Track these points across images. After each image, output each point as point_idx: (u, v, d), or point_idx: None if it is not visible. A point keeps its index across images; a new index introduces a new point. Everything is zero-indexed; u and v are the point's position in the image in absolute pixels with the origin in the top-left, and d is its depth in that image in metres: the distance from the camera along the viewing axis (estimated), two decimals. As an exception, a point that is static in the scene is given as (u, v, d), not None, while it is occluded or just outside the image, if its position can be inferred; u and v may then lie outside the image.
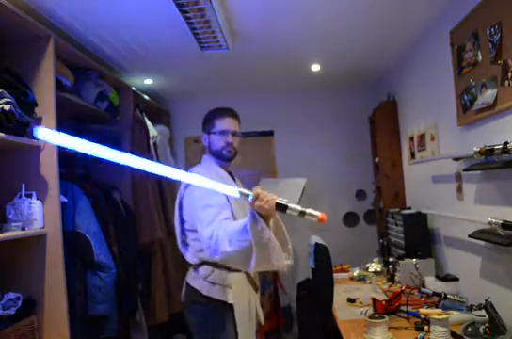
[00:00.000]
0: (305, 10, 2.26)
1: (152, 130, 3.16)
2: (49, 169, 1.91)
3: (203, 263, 1.72)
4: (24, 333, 1.75)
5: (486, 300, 1.65)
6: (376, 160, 3.66)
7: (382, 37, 2.70)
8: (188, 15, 2.10)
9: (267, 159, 4.19)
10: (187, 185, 1.73)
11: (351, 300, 2.25)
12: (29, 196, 1.83)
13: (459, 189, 2.20)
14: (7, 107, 1.62)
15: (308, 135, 4.14)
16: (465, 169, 1.97)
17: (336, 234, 3.88)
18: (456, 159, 2.16)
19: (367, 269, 2.91)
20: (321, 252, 2.11)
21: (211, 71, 3.30)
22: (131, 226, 2.67)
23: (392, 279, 2.58)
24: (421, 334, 1.68)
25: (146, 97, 3.38)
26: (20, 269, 1.87)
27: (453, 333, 1.61)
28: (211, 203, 1.60)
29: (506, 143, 1.58)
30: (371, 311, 1.97)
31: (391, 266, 2.61)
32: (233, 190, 1.33)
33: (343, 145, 4.11)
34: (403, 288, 2.28)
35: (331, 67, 3.36)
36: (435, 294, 1.97)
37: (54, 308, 1.86)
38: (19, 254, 1.88)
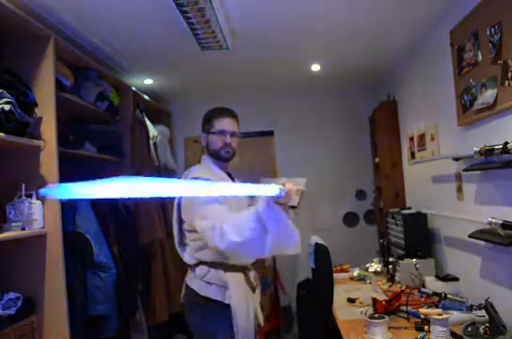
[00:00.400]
0: (305, 10, 2.26)
1: (152, 130, 3.16)
2: (49, 169, 1.91)
3: (200, 263, 1.72)
4: (24, 333, 1.75)
5: (486, 300, 1.65)
6: (376, 160, 3.66)
7: (382, 37, 2.70)
8: (188, 15, 2.10)
9: (267, 159, 4.19)
10: None
11: (351, 300, 2.25)
12: (29, 196, 1.83)
13: (459, 189, 2.20)
14: (7, 107, 1.62)
15: (308, 135, 4.14)
16: (465, 169, 1.97)
17: (336, 234, 3.88)
18: (456, 159, 2.16)
19: (367, 269, 2.91)
20: (321, 252, 2.11)
21: (211, 71, 3.30)
22: (131, 226, 2.67)
23: (392, 279, 2.58)
24: (421, 334, 1.68)
25: (146, 97, 3.38)
26: (20, 269, 1.87)
27: (453, 333, 1.61)
28: (209, 199, 1.61)
29: (506, 143, 1.59)
30: (371, 311, 1.97)
31: (391, 266, 2.61)
32: (272, 188, 1.53)
33: (343, 145, 4.11)
34: (403, 288, 2.28)
35: (331, 67, 3.36)
36: (435, 294, 1.97)
37: (54, 308, 1.86)
38: (19, 254, 1.88)
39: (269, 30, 2.52)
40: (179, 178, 1.85)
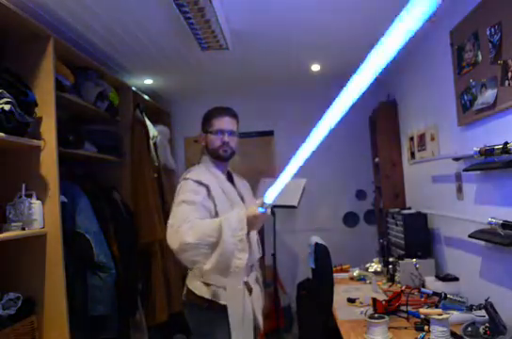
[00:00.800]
0: (305, 10, 2.26)
1: (152, 130, 3.16)
2: (49, 169, 1.91)
3: None
4: (24, 333, 1.75)
5: (486, 300, 1.65)
6: (376, 160, 3.65)
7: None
8: (188, 15, 2.10)
9: (267, 159, 4.19)
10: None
11: (351, 300, 2.25)
12: (29, 196, 1.83)
13: (459, 189, 2.20)
14: (7, 107, 1.62)
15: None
16: (465, 169, 1.97)
17: (336, 234, 3.88)
18: (456, 159, 2.16)
19: (367, 269, 2.91)
20: (321, 252, 2.11)
21: (211, 70, 3.30)
22: (131, 226, 2.67)
23: (392, 279, 2.58)
24: (421, 334, 1.67)
25: (146, 97, 3.38)
26: (20, 269, 1.87)
27: (453, 333, 1.61)
28: (186, 200, 1.64)
29: (506, 143, 1.58)
30: (371, 311, 1.97)
31: (391, 266, 2.61)
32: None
33: (343, 145, 4.10)
34: (403, 288, 2.28)
35: (331, 67, 3.36)
36: (435, 294, 1.97)
37: (54, 308, 1.86)
38: (19, 254, 1.88)
39: (269, 30, 2.52)
40: (178, 178, 1.85)
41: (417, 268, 2.42)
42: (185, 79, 3.57)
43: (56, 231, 1.90)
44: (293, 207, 3.39)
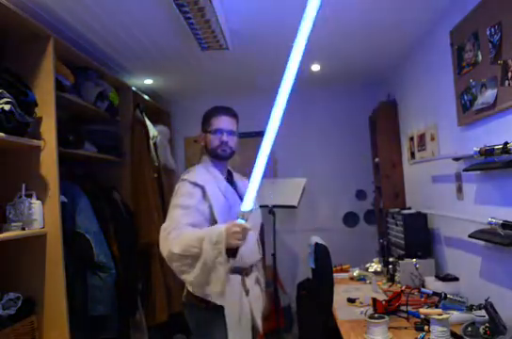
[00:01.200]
0: (305, 10, 2.26)
1: (152, 130, 3.16)
2: (49, 169, 1.91)
3: None
4: (24, 333, 1.75)
5: (486, 300, 1.65)
6: (376, 160, 3.65)
7: (382, 37, 2.70)
8: (188, 15, 2.10)
9: (267, 159, 4.18)
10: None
11: (351, 300, 2.25)
12: (29, 196, 1.83)
13: (459, 189, 2.20)
14: (7, 107, 1.62)
15: (308, 135, 4.14)
16: (465, 169, 1.97)
17: (336, 234, 3.88)
18: (456, 159, 2.16)
19: (367, 269, 2.91)
20: (321, 252, 2.11)
21: (211, 70, 3.30)
22: (131, 226, 2.67)
23: (392, 279, 2.58)
24: (421, 334, 1.67)
25: (146, 97, 3.38)
26: (20, 269, 1.87)
27: (453, 333, 1.61)
28: (180, 204, 1.67)
29: (506, 143, 1.58)
30: (371, 311, 1.97)
31: (391, 266, 2.61)
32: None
33: (343, 145, 4.11)
34: (403, 288, 2.28)
35: (331, 67, 3.36)
36: (435, 294, 1.97)
37: (54, 308, 1.86)
38: (19, 254, 1.88)
39: (269, 30, 2.52)
40: (178, 178, 1.85)
41: (417, 268, 2.42)
42: (185, 79, 3.57)
43: (56, 231, 1.90)
44: (293, 207, 3.39)
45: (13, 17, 1.74)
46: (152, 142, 3.09)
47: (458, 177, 2.20)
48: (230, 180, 1.90)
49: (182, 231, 1.58)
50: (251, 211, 1.52)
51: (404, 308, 1.95)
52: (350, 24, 2.49)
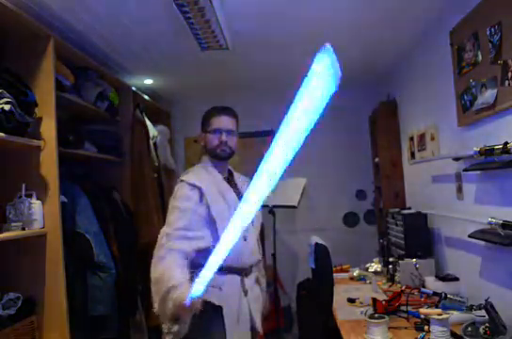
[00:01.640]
0: (305, 10, 2.26)
1: (152, 130, 3.16)
2: (49, 169, 1.91)
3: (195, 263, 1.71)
4: (24, 333, 1.75)
5: (486, 300, 1.64)
6: (376, 160, 3.65)
7: (382, 37, 2.70)
8: (188, 15, 2.10)
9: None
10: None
11: (351, 300, 2.25)
12: (29, 196, 1.83)
13: (459, 189, 2.20)
14: (7, 107, 1.62)
15: (307, 134, 4.13)
16: (465, 169, 1.97)
17: (336, 234, 3.88)
18: (456, 159, 2.16)
19: (367, 269, 2.91)
20: (321, 252, 2.11)
21: (211, 71, 3.30)
22: (131, 226, 2.67)
23: (392, 279, 2.58)
24: (421, 334, 1.67)
25: (146, 97, 3.38)
26: (20, 269, 1.87)
27: (453, 333, 1.61)
28: (178, 206, 1.68)
29: (506, 143, 1.58)
30: (371, 311, 1.97)
31: (391, 266, 2.61)
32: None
33: (343, 145, 4.11)
34: (403, 288, 2.28)
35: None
36: (435, 294, 1.97)
37: (54, 308, 1.86)
38: (19, 254, 1.88)
39: (269, 30, 2.52)
40: (178, 178, 1.85)
41: (417, 268, 2.42)
42: (185, 79, 3.57)
43: (56, 231, 1.90)
44: (293, 207, 3.39)
45: (13, 17, 1.74)
46: (152, 142, 3.09)
47: (458, 177, 2.20)
48: (230, 180, 1.89)
49: (169, 256, 1.56)
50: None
51: (404, 308, 1.95)
52: (350, 24, 2.49)
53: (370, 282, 2.61)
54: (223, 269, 1.70)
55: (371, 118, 3.86)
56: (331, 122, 4.13)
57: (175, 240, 1.60)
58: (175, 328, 1.58)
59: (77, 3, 2.03)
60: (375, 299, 2.01)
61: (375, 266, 2.91)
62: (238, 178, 1.94)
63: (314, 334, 2.29)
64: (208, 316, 1.68)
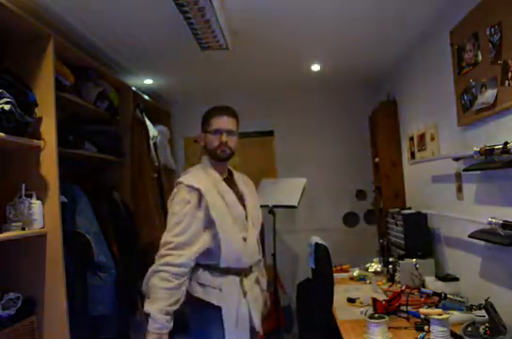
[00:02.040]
0: (305, 11, 2.27)
1: (152, 130, 3.16)
2: (49, 169, 1.91)
3: (195, 264, 1.72)
4: (24, 333, 1.75)
5: (486, 300, 1.64)
6: (376, 160, 3.65)
7: (382, 37, 2.70)
8: (188, 15, 2.10)
9: (267, 159, 4.19)
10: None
11: (351, 300, 2.25)
12: (29, 196, 1.83)
13: (459, 189, 2.20)
14: (7, 107, 1.62)
15: (308, 135, 4.14)
16: (465, 169, 1.97)
17: (336, 233, 3.88)
18: (456, 159, 2.16)
19: (367, 269, 2.91)
20: (321, 252, 2.11)
21: (211, 71, 3.30)
22: (131, 226, 2.67)
23: (392, 279, 2.58)
24: (421, 334, 1.67)
25: (146, 97, 3.38)
26: (20, 269, 1.87)
27: (453, 333, 1.61)
28: (177, 211, 1.68)
29: (506, 143, 1.58)
30: (371, 311, 1.97)
31: (391, 266, 2.61)
32: None
33: (343, 145, 4.11)
34: (403, 288, 2.28)
35: (331, 67, 3.36)
36: (435, 294, 1.97)
37: (54, 308, 1.86)
38: (19, 254, 1.88)
39: (269, 30, 2.52)
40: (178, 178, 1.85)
41: (417, 268, 2.42)
42: (185, 79, 3.57)
43: (56, 231, 1.90)
44: (293, 207, 3.39)
45: (13, 17, 1.74)
46: (152, 142, 3.09)
47: (458, 177, 2.20)
48: (230, 180, 1.89)
49: (166, 269, 1.60)
50: None
51: (404, 308, 1.95)
52: (350, 24, 2.49)
53: (370, 282, 2.61)
54: (222, 270, 1.70)
55: (371, 118, 3.86)
56: (331, 122, 4.15)
57: (174, 251, 1.62)
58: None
59: (77, 3, 2.03)
60: (375, 299, 2.01)
61: (375, 266, 2.91)
62: (238, 178, 1.94)
63: (314, 334, 2.29)
64: (207, 317, 1.68)
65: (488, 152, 1.69)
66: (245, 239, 1.75)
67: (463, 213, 2.14)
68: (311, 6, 2.21)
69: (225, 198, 1.75)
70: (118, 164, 2.82)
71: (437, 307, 1.88)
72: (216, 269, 1.70)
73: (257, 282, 1.86)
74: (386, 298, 2.16)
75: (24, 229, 1.79)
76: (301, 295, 3.54)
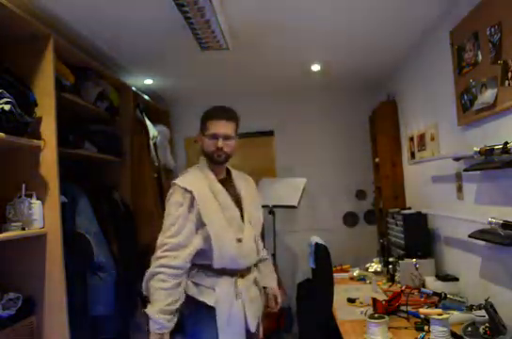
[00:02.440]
0: (305, 11, 2.26)
1: (152, 130, 3.16)
2: (49, 169, 1.90)
3: (191, 264, 1.72)
4: (24, 334, 1.75)
5: (486, 300, 1.65)
6: (376, 160, 3.66)
7: (382, 37, 2.70)
8: (188, 15, 2.10)
9: (267, 159, 4.19)
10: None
11: (351, 300, 2.25)
12: (29, 196, 1.83)
13: (459, 189, 2.20)
14: (7, 107, 1.62)
15: (308, 135, 4.14)
16: (465, 169, 1.97)
17: (336, 233, 3.88)
18: (456, 159, 2.16)
19: (367, 269, 2.91)
20: (321, 252, 2.11)
21: (211, 71, 3.30)
22: (131, 226, 2.67)
23: (392, 279, 2.58)
24: (421, 334, 1.68)
25: (146, 97, 3.38)
26: (20, 269, 1.87)
27: (453, 333, 1.61)
28: (171, 212, 1.71)
29: (506, 143, 1.59)
30: (371, 311, 1.97)
31: (391, 266, 2.61)
32: None
33: (343, 145, 4.11)
34: (403, 288, 2.28)
35: (331, 67, 3.36)
36: (435, 294, 1.97)
37: (54, 308, 1.86)
38: (19, 254, 1.88)
39: (269, 30, 2.52)
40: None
41: (417, 268, 2.42)
42: (186, 79, 3.57)
43: (56, 231, 1.89)
44: (293, 207, 3.39)
45: (14, 17, 1.74)
46: (151, 142, 3.09)
47: (458, 177, 2.20)
48: (227, 180, 1.88)
49: (163, 271, 1.61)
50: None
51: (404, 308, 1.95)
52: (350, 24, 2.49)
53: (370, 282, 2.61)
54: (217, 271, 1.71)
55: (371, 118, 3.86)
56: (331, 122, 4.14)
57: (169, 252, 1.64)
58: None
59: (77, 3, 2.03)
60: (375, 299, 2.01)
61: (375, 266, 2.91)
62: (238, 177, 1.93)
63: (314, 334, 2.29)
64: (201, 317, 1.68)
65: (488, 152, 1.69)
66: (240, 240, 1.74)
67: (463, 213, 2.14)
68: (311, 5, 2.20)
69: (219, 199, 1.75)
70: (118, 164, 2.82)
71: (437, 307, 1.88)
72: (210, 270, 1.71)
73: (255, 282, 1.85)
74: (386, 298, 2.16)
75: (23, 229, 1.79)
76: (301, 295, 3.54)
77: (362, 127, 4.00)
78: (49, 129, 1.92)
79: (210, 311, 1.66)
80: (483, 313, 1.62)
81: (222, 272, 1.71)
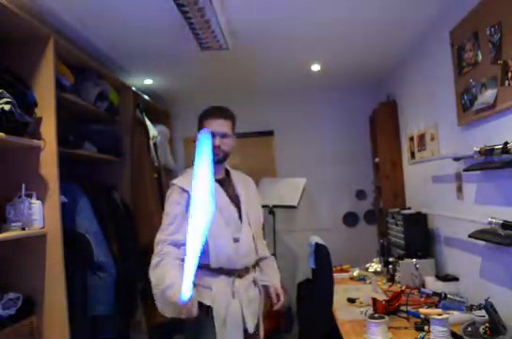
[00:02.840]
0: (305, 11, 2.26)
1: (152, 130, 3.16)
2: (49, 169, 1.91)
3: None
4: (24, 333, 1.75)
5: (486, 300, 1.65)
6: (376, 160, 3.66)
7: (382, 37, 2.70)
8: (188, 15, 2.10)
9: (267, 159, 4.19)
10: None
11: (351, 300, 2.25)
12: (29, 196, 1.83)
13: (459, 189, 2.20)
14: (7, 107, 1.62)
15: (308, 135, 4.14)
16: (465, 169, 1.97)
17: (336, 233, 3.88)
18: (456, 159, 2.16)
19: (367, 269, 2.91)
20: (321, 252, 2.11)
21: (211, 71, 3.30)
22: (131, 226, 2.67)
23: (392, 279, 2.58)
24: (421, 334, 1.68)
25: (146, 97, 3.38)
26: (20, 269, 1.87)
27: (453, 333, 1.61)
28: (169, 211, 1.76)
29: (506, 143, 1.59)
30: (371, 311, 1.97)
31: (391, 266, 2.61)
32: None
33: (343, 145, 4.11)
34: (403, 288, 2.28)
35: (331, 67, 3.36)
36: (435, 294, 1.97)
37: (54, 308, 1.86)
38: (19, 254, 1.88)
39: (269, 30, 2.52)
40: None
41: (417, 268, 2.42)
42: (186, 79, 3.57)
43: (56, 231, 1.90)
44: (293, 207, 3.39)
45: (14, 17, 1.74)
46: (152, 142, 3.09)
47: (458, 177, 2.20)
48: (226, 180, 1.88)
49: (165, 258, 1.65)
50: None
51: (404, 308, 1.95)
52: (350, 24, 2.49)
53: (370, 282, 2.61)
54: (215, 270, 1.71)
55: (371, 118, 3.86)
56: (331, 123, 4.15)
57: (168, 246, 1.68)
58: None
59: (77, 3, 2.03)
60: (375, 299, 2.01)
61: (375, 266, 2.91)
62: (236, 177, 1.93)
63: (314, 334, 2.29)
64: (199, 316, 1.68)
65: (488, 152, 1.70)
66: (237, 240, 1.75)
67: (463, 213, 2.14)
68: (311, 6, 2.21)
69: (216, 199, 1.75)
70: (118, 164, 2.82)
71: (437, 307, 1.88)
72: (208, 269, 1.71)
73: (254, 282, 1.84)
74: (386, 298, 2.16)
75: (23, 229, 1.79)
76: (301, 295, 3.54)
77: (362, 127, 4.00)
78: (49, 129, 1.92)
79: (207, 310, 1.67)
80: (483, 313, 1.62)
81: (219, 272, 1.71)
